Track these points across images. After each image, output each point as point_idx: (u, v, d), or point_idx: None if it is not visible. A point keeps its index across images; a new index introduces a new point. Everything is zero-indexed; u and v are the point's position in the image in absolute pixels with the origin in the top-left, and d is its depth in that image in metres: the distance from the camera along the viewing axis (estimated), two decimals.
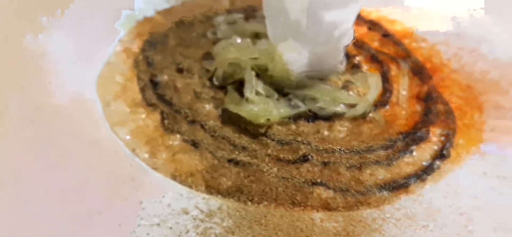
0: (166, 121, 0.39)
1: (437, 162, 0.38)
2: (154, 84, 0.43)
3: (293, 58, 0.42)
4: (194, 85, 0.43)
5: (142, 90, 0.42)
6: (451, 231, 0.33)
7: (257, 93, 0.40)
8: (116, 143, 0.38)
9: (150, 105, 0.41)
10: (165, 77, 0.44)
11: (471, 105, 0.44)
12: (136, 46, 0.47)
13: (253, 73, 0.42)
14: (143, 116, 0.40)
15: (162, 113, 0.40)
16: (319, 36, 0.41)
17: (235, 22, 0.51)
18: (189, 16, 0.52)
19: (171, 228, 0.31)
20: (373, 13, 0.56)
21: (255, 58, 0.42)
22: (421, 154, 0.38)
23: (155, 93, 0.42)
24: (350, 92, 0.42)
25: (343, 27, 0.41)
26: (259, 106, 0.39)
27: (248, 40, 0.44)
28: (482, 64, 0.50)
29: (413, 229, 0.33)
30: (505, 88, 0.46)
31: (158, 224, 0.31)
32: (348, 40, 0.42)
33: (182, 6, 0.55)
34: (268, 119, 0.39)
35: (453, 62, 0.49)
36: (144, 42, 0.48)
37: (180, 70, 0.44)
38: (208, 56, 0.47)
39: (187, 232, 0.31)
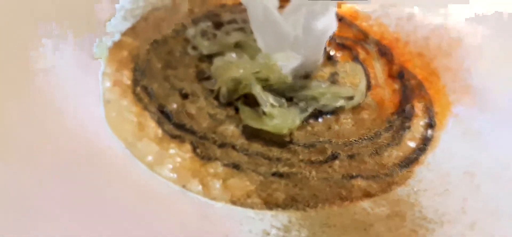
0: (198, 150, 0.42)
1: (429, 132, 0.46)
2: (166, 115, 0.44)
3: (287, 64, 0.47)
4: (206, 108, 0.45)
5: (159, 123, 0.43)
6: (465, 189, 0.41)
7: (272, 105, 0.44)
8: (164, 184, 0.40)
9: (174, 137, 0.42)
10: (175, 106, 0.45)
11: (429, 73, 0.53)
12: (126, 78, 0.47)
13: (259, 87, 0.45)
14: (174, 150, 0.42)
15: (191, 143, 0.42)
16: (312, 42, 0.46)
17: (207, 33, 0.53)
18: (157, 34, 0.53)
19: None
20: None
21: (257, 72, 0.45)
22: (416, 128, 0.46)
23: (172, 124, 0.44)
24: (345, 85, 0.48)
25: (329, 28, 0.46)
26: (280, 118, 0.43)
27: (245, 56, 0.46)
28: (421, 30, 0.58)
29: (439, 195, 0.40)
30: (447, 50, 0.55)
31: None
32: (330, 34, 0.47)
33: (144, 22, 0.54)
34: (290, 128, 0.43)
35: (400, 34, 0.57)
36: (133, 72, 0.48)
37: (185, 96, 0.46)
38: (202, 74, 0.48)
39: None
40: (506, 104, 0.49)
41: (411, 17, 0.59)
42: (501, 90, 0.50)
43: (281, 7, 0.48)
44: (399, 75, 0.50)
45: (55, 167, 0.37)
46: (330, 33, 0.46)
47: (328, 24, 0.45)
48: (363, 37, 0.55)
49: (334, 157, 0.42)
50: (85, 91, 0.46)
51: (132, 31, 0.53)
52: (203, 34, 0.52)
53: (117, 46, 0.51)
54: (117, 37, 0.52)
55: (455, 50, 0.55)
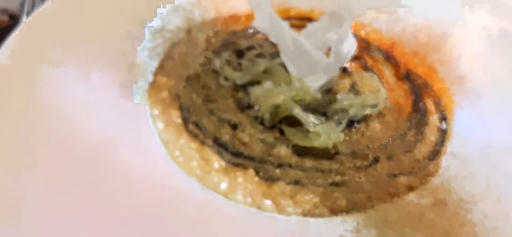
0: (261, 174, 0.47)
1: (444, 124, 0.53)
2: (223, 146, 0.49)
3: (316, 84, 0.53)
4: (256, 134, 0.50)
5: (219, 154, 0.48)
6: (484, 168, 0.49)
7: (314, 124, 0.50)
8: (240, 208, 0.45)
9: (237, 165, 0.48)
10: (228, 136, 0.50)
11: (428, 68, 0.60)
12: (175, 117, 0.52)
13: (299, 108, 0.51)
14: (241, 177, 0.47)
15: (254, 168, 0.47)
16: (340, 63, 0.52)
17: (231, 62, 0.58)
18: (187, 69, 0.57)
19: None
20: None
21: (294, 96, 0.51)
22: (432, 123, 0.53)
23: (230, 153, 0.49)
24: (365, 93, 0.54)
25: (352, 49, 0.53)
26: (325, 134, 0.49)
27: (282, 83, 0.52)
28: (409, 30, 0.66)
29: (466, 179, 0.48)
30: (436, 46, 0.63)
31: None
32: (353, 53, 0.53)
33: (169, 59, 0.58)
34: (335, 143, 0.49)
35: (394, 37, 0.65)
36: (179, 110, 0.52)
37: (234, 126, 0.51)
38: (241, 103, 0.53)
39: None
40: (492, 82, 0.57)
41: (398, 19, 0.66)
42: (487, 73, 0.58)
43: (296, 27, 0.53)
44: (406, 76, 0.57)
45: (139, 215, 0.41)
46: (353, 52, 0.52)
47: (351, 46, 0.51)
48: (366, 45, 0.61)
49: (376, 161, 0.48)
50: (141, 136, 0.49)
51: (162, 70, 0.57)
52: (228, 63, 0.57)
53: (154, 86, 0.55)
54: (150, 78, 0.56)
55: (442, 44, 0.63)
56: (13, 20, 0.72)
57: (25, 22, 0.55)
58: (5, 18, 0.73)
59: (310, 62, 0.50)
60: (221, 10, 0.67)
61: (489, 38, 0.61)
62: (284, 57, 0.52)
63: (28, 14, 0.65)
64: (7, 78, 0.48)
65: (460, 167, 0.48)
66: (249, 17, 0.65)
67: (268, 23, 0.53)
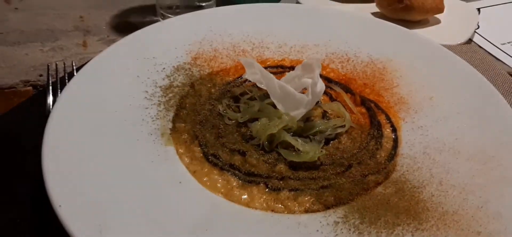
0: (269, 186, 0.59)
1: (394, 134, 0.67)
2: (237, 169, 0.61)
3: (299, 116, 0.65)
4: (260, 157, 0.62)
5: (235, 175, 0.59)
6: (427, 163, 0.62)
7: (301, 145, 0.62)
8: (258, 214, 0.56)
9: (250, 182, 0.59)
10: (239, 162, 0.61)
11: (376, 95, 0.74)
12: (197, 153, 0.62)
13: (289, 135, 0.63)
14: (256, 191, 0.58)
15: (264, 183, 0.59)
16: (315, 99, 0.65)
17: (231, 106, 0.70)
18: (198, 115, 0.68)
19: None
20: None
21: (285, 126, 0.64)
22: (386, 134, 0.67)
23: (243, 173, 0.60)
24: (336, 118, 0.67)
25: (322, 88, 0.66)
26: (312, 152, 0.61)
27: (275, 118, 0.64)
28: (359, 67, 0.80)
29: (416, 171, 0.61)
30: (380, 77, 0.78)
31: None
32: (323, 91, 0.66)
33: (182, 109, 0.70)
34: (319, 157, 0.62)
35: (348, 73, 0.79)
36: (199, 147, 0.63)
37: (243, 153, 0.62)
38: (245, 136, 0.65)
39: (349, 230, 0.54)
40: (425, 101, 0.71)
41: (348, 59, 0.80)
42: (420, 93, 0.73)
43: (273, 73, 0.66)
44: (362, 102, 0.71)
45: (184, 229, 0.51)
46: (323, 91, 0.65)
47: (321, 86, 0.65)
48: (328, 82, 0.75)
49: (350, 166, 0.61)
50: (175, 172, 0.60)
51: (178, 118, 0.68)
52: (229, 107, 0.69)
53: (175, 131, 0.65)
54: (170, 125, 0.67)
55: (384, 75, 0.77)
56: (36, 90, 0.80)
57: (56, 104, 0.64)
58: (29, 88, 0.82)
59: (294, 101, 0.63)
60: (212, 66, 0.78)
61: (418, 68, 0.76)
62: (273, 99, 0.64)
63: (53, 84, 0.72)
64: None
65: (410, 164, 0.62)
66: (235, 68, 0.78)
67: (257, 75, 0.66)
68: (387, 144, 0.64)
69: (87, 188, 0.52)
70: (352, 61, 0.79)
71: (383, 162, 0.61)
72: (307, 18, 0.88)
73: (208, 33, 0.83)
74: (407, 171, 0.60)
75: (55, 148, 0.55)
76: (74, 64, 0.76)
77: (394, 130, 0.66)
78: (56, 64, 0.77)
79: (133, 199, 0.53)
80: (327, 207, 0.55)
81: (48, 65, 0.75)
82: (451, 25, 0.96)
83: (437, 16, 0.97)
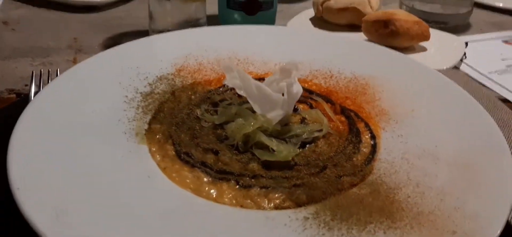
0: (240, 183, 0.55)
1: (373, 141, 0.64)
2: (209, 167, 0.58)
3: (276, 118, 0.63)
4: (234, 157, 0.59)
5: (206, 173, 0.57)
6: (405, 167, 0.59)
7: (276, 145, 0.60)
8: (227, 209, 0.53)
9: (221, 179, 0.56)
10: (212, 161, 0.59)
11: (358, 107, 0.72)
12: (169, 151, 0.60)
13: (264, 136, 0.61)
14: (226, 187, 0.55)
15: (235, 180, 0.56)
16: (291, 101, 0.63)
17: (209, 110, 0.68)
18: (175, 118, 0.66)
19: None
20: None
21: (260, 127, 0.61)
22: (365, 140, 0.64)
23: (215, 171, 0.57)
24: (312, 123, 0.65)
25: (299, 90, 0.64)
26: (286, 151, 0.59)
27: (250, 118, 0.62)
28: (341, 82, 0.78)
29: (393, 174, 0.58)
30: (362, 91, 0.76)
31: None
32: (300, 94, 0.64)
33: (160, 112, 0.68)
34: (293, 156, 0.59)
35: (330, 87, 0.77)
36: (173, 145, 0.61)
37: (216, 152, 0.60)
38: (220, 137, 0.63)
39: (318, 226, 0.50)
40: (406, 113, 0.69)
41: (331, 75, 0.79)
42: (402, 106, 0.71)
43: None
44: (342, 111, 0.69)
45: (148, 224, 0.48)
46: (300, 93, 0.63)
47: (298, 88, 0.63)
48: (309, 93, 0.73)
49: (325, 167, 0.58)
50: (144, 167, 0.58)
51: (155, 120, 0.66)
52: (207, 111, 0.67)
53: (150, 132, 0.64)
54: (146, 126, 0.65)
55: (366, 89, 0.75)
56: (20, 97, 0.79)
57: (35, 97, 0.63)
58: (12, 95, 0.80)
59: (270, 101, 0.61)
60: (196, 77, 0.77)
61: (400, 83, 0.74)
62: (250, 100, 0.62)
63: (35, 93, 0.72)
64: None
65: (387, 168, 0.59)
66: (218, 80, 0.77)
67: (237, 80, 0.64)
68: (365, 149, 0.61)
69: (48, 173, 0.50)
70: (335, 77, 0.78)
71: (359, 165, 0.58)
72: (294, 39, 0.88)
73: (194, 49, 0.82)
74: (384, 174, 0.57)
75: (23, 136, 0.54)
76: (59, 73, 0.75)
77: (373, 137, 0.63)
78: (41, 71, 0.76)
79: (95, 187, 0.51)
80: (298, 205, 0.52)
81: (33, 72, 0.74)
82: (437, 52, 0.95)
83: (424, 44, 0.96)
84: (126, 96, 0.69)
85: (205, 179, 0.55)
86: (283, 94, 0.63)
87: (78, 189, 0.50)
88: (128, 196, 0.51)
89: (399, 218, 0.50)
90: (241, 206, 0.53)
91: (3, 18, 1.11)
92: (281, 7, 1.16)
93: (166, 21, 0.98)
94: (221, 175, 0.56)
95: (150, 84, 0.73)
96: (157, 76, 0.75)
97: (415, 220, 0.50)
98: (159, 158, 0.58)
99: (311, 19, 1.12)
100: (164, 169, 0.56)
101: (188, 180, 0.55)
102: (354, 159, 0.60)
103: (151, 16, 0.99)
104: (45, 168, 0.51)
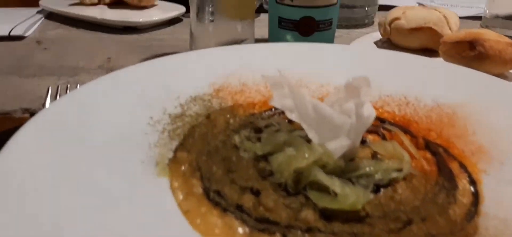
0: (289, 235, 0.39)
1: (473, 188, 0.46)
2: (247, 213, 0.42)
3: (338, 150, 0.46)
4: (280, 200, 0.43)
5: (243, 220, 0.41)
6: None
7: (339, 186, 0.43)
8: None
9: (262, 231, 0.40)
10: (251, 204, 0.42)
11: (445, 141, 0.54)
12: (196, 188, 0.45)
13: (323, 173, 0.44)
14: None
15: (281, 233, 0.39)
16: (361, 128, 0.46)
17: (250, 137, 0.52)
18: (207, 145, 0.51)
19: None
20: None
21: (316, 161, 0.44)
22: (462, 185, 0.46)
23: (254, 219, 0.41)
24: (388, 160, 0.47)
25: (371, 113, 0.47)
26: (353, 196, 0.41)
27: (304, 148, 0.45)
28: (420, 111, 0.60)
29: None
30: (449, 123, 0.58)
31: None
32: (373, 118, 0.47)
33: (190, 138, 0.53)
34: (364, 205, 0.41)
35: (407, 115, 0.59)
36: (200, 180, 0.45)
37: (257, 193, 0.44)
38: (263, 172, 0.47)
39: None
40: None
41: (407, 102, 0.61)
42: (505, 141, 0.52)
43: None
44: (426, 146, 0.51)
45: None
46: (372, 118, 0.46)
47: (371, 111, 0.46)
48: (381, 122, 0.56)
49: (409, 222, 0.40)
50: (161, 207, 0.42)
51: (182, 147, 0.51)
52: (248, 139, 0.51)
53: (174, 161, 0.48)
54: (171, 154, 0.49)
55: (455, 121, 0.57)
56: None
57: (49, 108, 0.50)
58: (27, 115, 0.69)
59: (331, 126, 0.44)
60: (237, 99, 0.62)
61: (498, 113, 0.55)
62: (304, 125, 0.46)
63: None
64: None
65: (500, 228, 0.40)
66: (264, 103, 0.61)
67: (287, 99, 0.48)
68: (464, 198, 0.43)
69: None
70: (412, 104, 0.60)
71: (459, 221, 0.40)
72: (358, 59, 0.71)
73: (238, 67, 0.67)
74: (496, 235, 0.38)
75: (27, 142, 0.41)
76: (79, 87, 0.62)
77: (473, 182, 0.45)
78: (58, 87, 0.63)
79: (95, 228, 0.35)
80: None
81: (49, 87, 0.61)
82: None
83: None
84: (151, 118, 0.54)
85: (240, 230, 0.39)
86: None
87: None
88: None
89: None
90: None
91: (38, 38, 1.02)
92: (339, 33, 1.01)
93: (209, 42, 0.85)
94: (262, 224, 0.40)
95: (181, 105, 0.58)
96: (191, 96, 0.60)
97: None
98: (181, 197, 0.42)
99: (376, 43, 0.95)
100: (186, 213, 0.41)
101: (217, 230, 0.39)
102: (450, 211, 0.41)
103: (192, 36, 0.86)
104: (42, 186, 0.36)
